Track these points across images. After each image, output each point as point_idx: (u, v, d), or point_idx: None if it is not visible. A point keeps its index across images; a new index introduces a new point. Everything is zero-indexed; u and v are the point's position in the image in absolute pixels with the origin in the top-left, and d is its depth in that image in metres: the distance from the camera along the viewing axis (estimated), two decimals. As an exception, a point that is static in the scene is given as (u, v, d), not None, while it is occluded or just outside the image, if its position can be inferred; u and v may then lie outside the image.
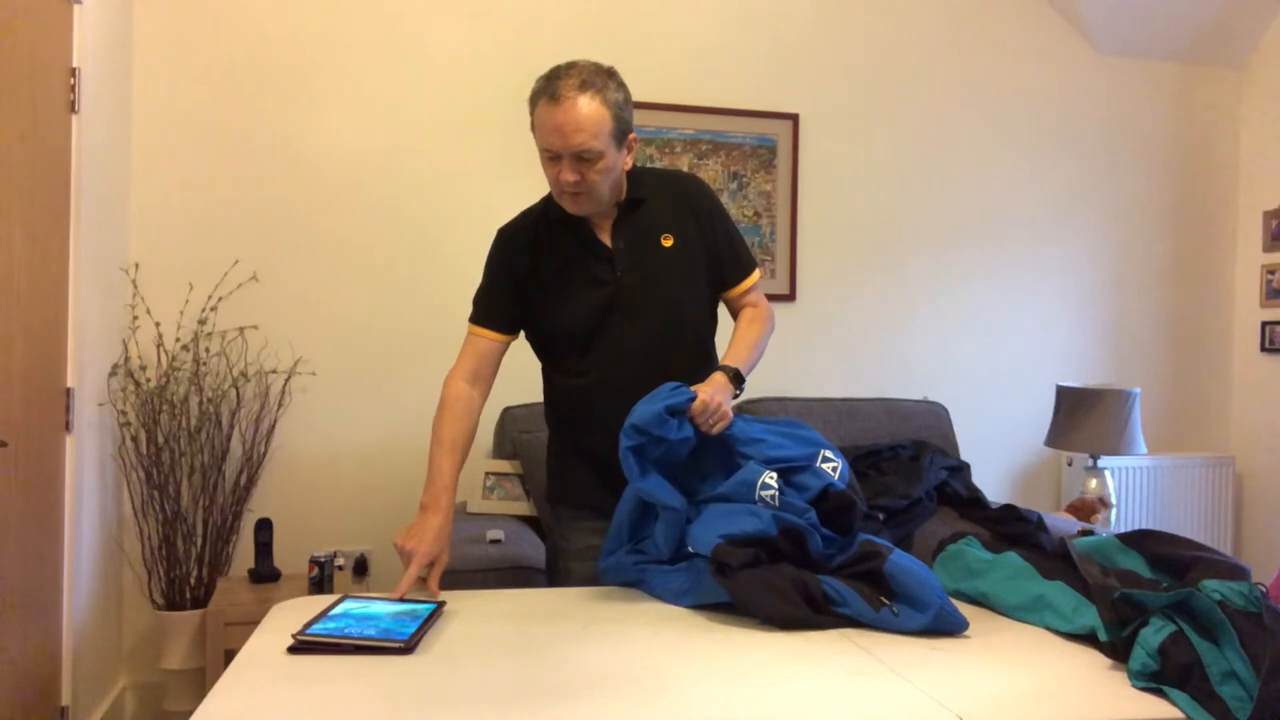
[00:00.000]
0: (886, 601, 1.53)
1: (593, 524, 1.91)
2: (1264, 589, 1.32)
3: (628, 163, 1.83)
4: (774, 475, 1.68)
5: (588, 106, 1.70)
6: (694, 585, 1.64)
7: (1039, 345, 3.92)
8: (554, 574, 2.06)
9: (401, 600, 1.60)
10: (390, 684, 1.25)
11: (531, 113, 1.76)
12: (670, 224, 1.90)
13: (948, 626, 1.49)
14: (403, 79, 3.25)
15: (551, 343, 1.94)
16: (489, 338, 1.90)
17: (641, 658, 1.37)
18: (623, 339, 1.86)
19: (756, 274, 2.00)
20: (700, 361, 1.92)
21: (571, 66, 1.73)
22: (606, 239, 1.87)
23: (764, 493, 1.66)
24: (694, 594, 1.64)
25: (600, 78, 1.73)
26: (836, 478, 1.74)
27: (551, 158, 1.74)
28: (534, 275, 1.88)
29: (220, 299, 3.09)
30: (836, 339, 3.68)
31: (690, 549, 1.67)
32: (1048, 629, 1.53)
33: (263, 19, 3.13)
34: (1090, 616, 1.46)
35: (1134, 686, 1.28)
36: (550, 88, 1.71)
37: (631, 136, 1.80)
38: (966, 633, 1.51)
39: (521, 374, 3.36)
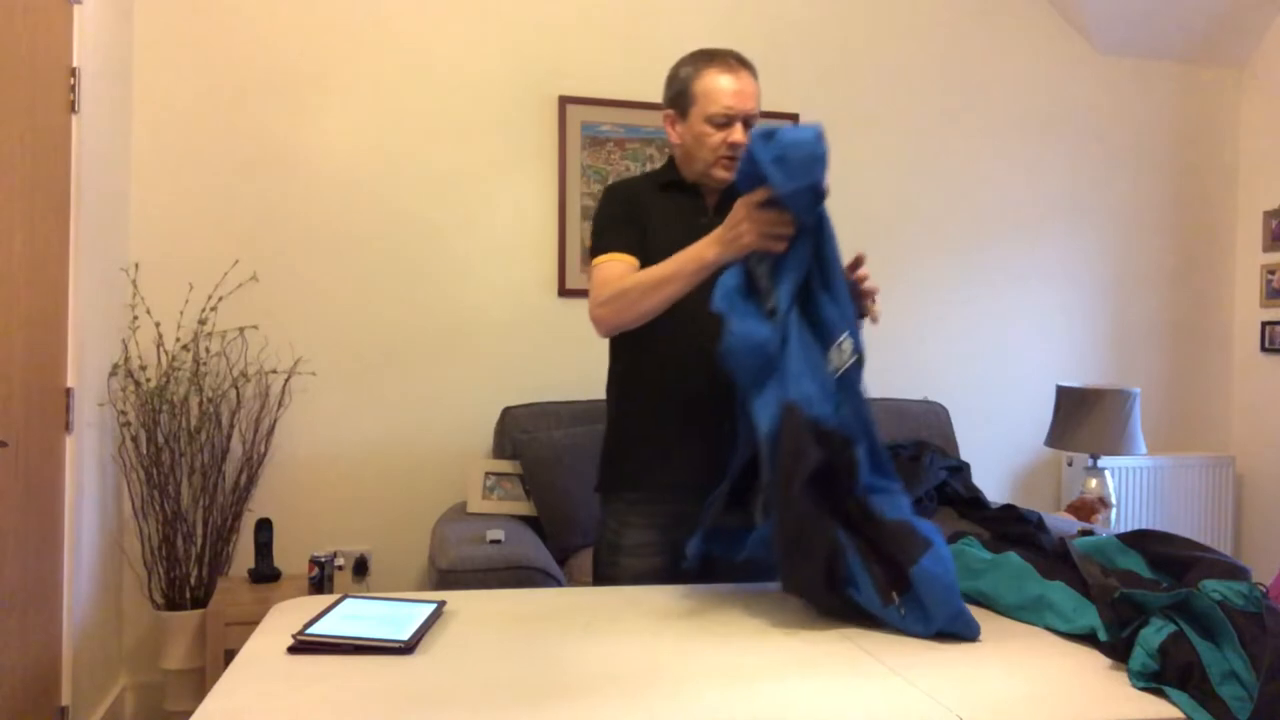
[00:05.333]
0: (896, 599, 1.51)
1: (649, 518, 1.89)
2: (1264, 589, 1.32)
3: None
4: (851, 342, 1.62)
5: (753, 78, 1.86)
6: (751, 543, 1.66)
7: (1039, 345, 3.92)
8: (600, 569, 1.97)
9: (401, 600, 1.61)
10: (390, 684, 1.25)
11: (693, 81, 1.85)
12: None
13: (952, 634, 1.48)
14: (403, 79, 3.25)
15: None
16: (630, 262, 1.85)
17: (642, 658, 1.37)
18: (708, 314, 1.82)
19: None
20: None
21: (718, 49, 1.88)
22: (711, 214, 1.92)
23: (835, 358, 1.61)
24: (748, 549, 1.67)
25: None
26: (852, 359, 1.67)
27: (721, 124, 1.83)
28: (647, 232, 1.91)
29: (220, 299, 3.09)
30: (836, 339, 3.68)
31: (755, 412, 1.59)
32: (1048, 629, 1.53)
33: (263, 19, 3.13)
34: (1090, 616, 1.46)
35: (1134, 686, 1.28)
36: (722, 57, 1.84)
37: None
38: (967, 633, 1.51)
39: (521, 374, 3.37)
